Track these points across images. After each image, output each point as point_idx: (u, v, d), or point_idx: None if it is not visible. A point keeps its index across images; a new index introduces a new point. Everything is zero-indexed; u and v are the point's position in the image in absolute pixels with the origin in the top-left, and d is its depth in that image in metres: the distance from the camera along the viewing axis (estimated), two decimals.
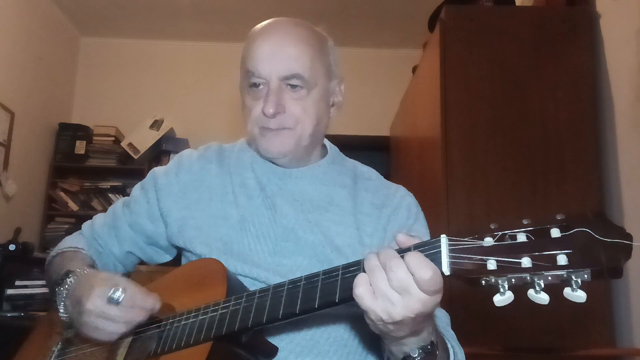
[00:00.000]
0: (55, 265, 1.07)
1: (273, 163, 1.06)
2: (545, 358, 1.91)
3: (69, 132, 4.11)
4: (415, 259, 0.66)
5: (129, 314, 0.87)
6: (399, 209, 1.05)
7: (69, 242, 1.15)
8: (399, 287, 0.66)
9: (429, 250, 0.69)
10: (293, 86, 0.98)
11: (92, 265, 1.05)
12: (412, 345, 0.75)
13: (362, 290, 0.68)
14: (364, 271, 0.70)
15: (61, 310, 0.94)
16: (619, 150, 2.06)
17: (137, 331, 0.96)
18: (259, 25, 1.04)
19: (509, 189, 2.06)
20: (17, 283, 2.92)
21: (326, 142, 1.15)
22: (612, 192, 2.07)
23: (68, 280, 0.94)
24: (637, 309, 1.91)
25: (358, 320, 0.73)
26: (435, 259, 0.67)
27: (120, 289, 0.87)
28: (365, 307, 0.69)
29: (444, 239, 0.68)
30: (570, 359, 1.90)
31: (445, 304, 1.03)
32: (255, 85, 1.00)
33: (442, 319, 0.99)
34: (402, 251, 0.71)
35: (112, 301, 0.86)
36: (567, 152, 2.08)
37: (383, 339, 0.77)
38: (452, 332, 0.96)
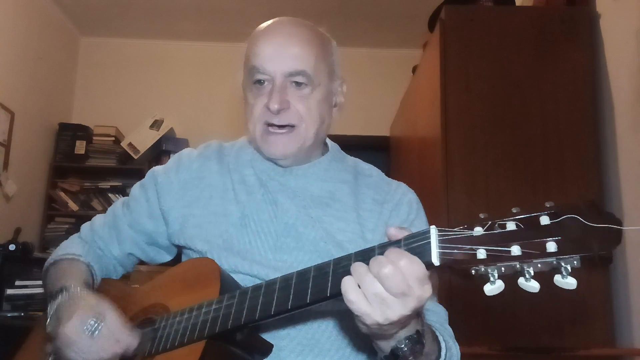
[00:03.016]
0: (51, 276, 1.06)
1: (274, 163, 1.06)
2: (545, 358, 1.91)
3: (69, 132, 4.11)
4: (406, 259, 0.67)
5: (97, 347, 0.85)
6: (400, 204, 1.05)
7: (67, 247, 1.13)
8: (398, 292, 0.66)
9: (419, 241, 0.69)
10: (298, 84, 0.99)
11: (87, 281, 1.03)
12: (400, 337, 0.75)
13: (355, 296, 0.68)
14: (354, 263, 0.70)
15: (48, 323, 0.93)
16: (619, 150, 2.06)
17: None
18: (263, 25, 1.05)
19: (508, 188, 2.06)
20: (17, 283, 2.92)
21: (327, 140, 1.15)
22: (612, 192, 2.07)
23: (60, 296, 0.94)
24: (637, 309, 1.91)
25: None
26: (425, 250, 0.68)
27: (98, 322, 0.85)
28: (359, 313, 0.68)
29: (433, 230, 0.69)
30: (570, 359, 1.90)
31: (446, 303, 1.03)
32: (260, 82, 1.00)
33: (441, 314, 0.99)
34: (389, 244, 0.71)
35: (87, 332, 0.85)
36: (567, 152, 2.08)
37: (372, 337, 0.77)
38: (449, 328, 0.96)
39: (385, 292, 0.67)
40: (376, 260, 0.68)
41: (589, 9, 2.24)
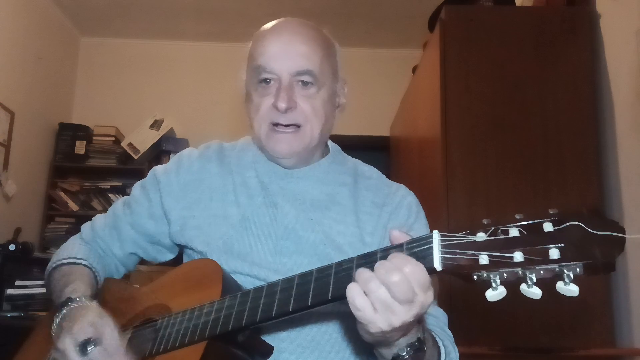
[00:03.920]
0: (55, 282, 1.06)
1: (277, 163, 1.06)
2: (545, 358, 1.91)
3: (69, 132, 4.11)
4: (411, 265, 0.66)
5: None
6: (400, 207, 1.05)
7: (68, 250, 1.12)
8: (404, 299, 0.66)
9: (421, 246, 0.69)
10: (304, 83, 0.99)
11: (92, 287, 1.03)
12: (402, 345, 0.75)
13: (362, 303, 0.67)
14: (358, 268, 0.70)
15: (52, 330, 0.93)
16: (619, 150, 2.06)
17: (133, 332, 0.96)
18: (268, 24, 1.05)
19: (509, 189, 2.06)
20: (17, 283, 2.92)
21: (328, 142, 1.15)
22: (612, 192, 2.07)
23: (66, 308, 0.93)
24: (637, 309, 1.91)
25: None
26: (428, 255, 0.67)
27: (94, 342, 0.84)
28: (365, 320, 0.68)
29: (435, 234, 0.68)
30: (570, 359, 1.90)
31: (446, 304, 1.03)
32: (266, 81, 1.00)
33: (440, 318, 0.99)
34: (392, 248, 0.71)
35: (79, 349, 0.84)
36: (567, 152, 2.08)
37: (374, 345, 0.77)
38: (449, 332, 0.96)
39: (391, 299, 0.66)
40: (383, 266, 0.67)
41: (589, 9, 2.24)
